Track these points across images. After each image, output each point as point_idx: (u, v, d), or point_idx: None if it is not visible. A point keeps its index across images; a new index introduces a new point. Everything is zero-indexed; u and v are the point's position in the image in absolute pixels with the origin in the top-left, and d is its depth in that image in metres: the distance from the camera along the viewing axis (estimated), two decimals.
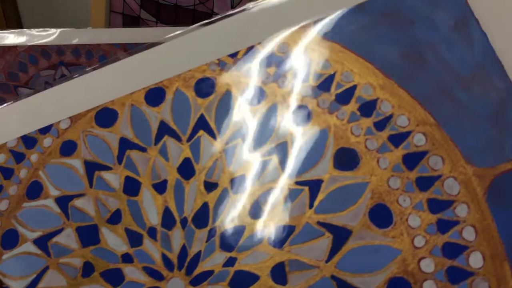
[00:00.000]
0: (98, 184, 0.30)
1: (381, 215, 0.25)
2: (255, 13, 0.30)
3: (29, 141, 0.31)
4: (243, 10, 0.31)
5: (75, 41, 0.34)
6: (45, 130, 0.31)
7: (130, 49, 0.37)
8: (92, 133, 0.30)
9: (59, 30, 0.35)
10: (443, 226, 0.25)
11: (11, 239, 0.30)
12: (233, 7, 0.48)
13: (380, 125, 0.27)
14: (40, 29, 0.36)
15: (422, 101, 0.27)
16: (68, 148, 0.31)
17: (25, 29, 0.36)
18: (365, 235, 0.25)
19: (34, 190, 0.30)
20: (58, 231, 0.29)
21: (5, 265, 0.29)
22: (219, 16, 0.31)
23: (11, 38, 0.36)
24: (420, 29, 0.28)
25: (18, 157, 0.31)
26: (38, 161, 0.31)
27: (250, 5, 0.30)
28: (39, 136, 0.31)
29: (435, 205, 0.25)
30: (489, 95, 0.26)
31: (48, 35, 0.36)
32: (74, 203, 0.29)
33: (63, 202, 0.30)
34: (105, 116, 0.31)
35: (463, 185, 0.25)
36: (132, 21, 0.47)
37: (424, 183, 0.25)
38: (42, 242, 0.29)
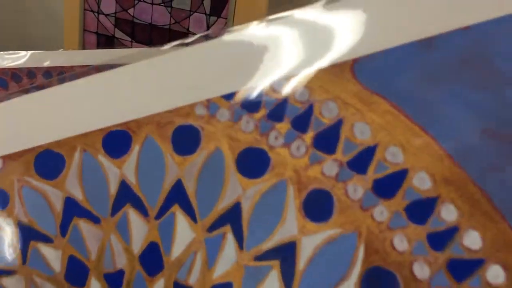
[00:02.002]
0: (33, 260, 0.23)
1: None
2: (268, 36, 0.21)
3: None
4: (247, 30, 0.21)
5: (46, 64, 0.30)
6: None
7: (103, 71, 0.33)
8: (30, 185, 0.23)
9: (29, 52, 0.32)
10: None
11: None
12: (208, 27, 0.41)
13: (437, 241, 0.19)
14: (10, 52, 0.32)
15: (507, 213, 0.18)
16: None
17: None
18: None
19: None
20: None
21: None
22: (208, 33, 0.22)
23: None
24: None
25: None
26: None
27: (256, 23, 0.21)
28: None
29: None
30: None
31: (18, 58, 0.33)
32: (1, 281, 0.23)
33: None
34: (48, 162, 0.23)
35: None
36: (106, 40, 0.45)
37: None
38: None
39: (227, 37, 0.23)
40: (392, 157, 0.20)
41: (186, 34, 0.60)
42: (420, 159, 0.20)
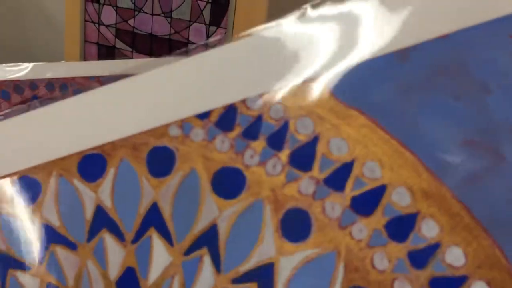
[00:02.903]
0: None
1: None
2: (240, 54, 0.21)
3: None
4: (220, 46, 0.21)
5: (48, 75, 0.31)
6: None
7: (105, 82, 0.34)
8: (7, 212, 0.23)
9: (31, 64, 0.33)
10: None
11: None
12: (208, 37, 0.41)
13: (418, 259, 0.18)
14: (12, 64, 0.33)
15: (489, 227, 0.18)
16: None
17: None
18: None
19: None
20: None
21: None
22: (185, 49, 0.22)
23: None
24: (498, 102, 0.18)
25: None
26: None
27: (233, 40, 0.21)
28: None
29: None
30: None
31: (20, 70, 0.34)
32: None
33: None
34: (25, 189, 0.23)
35: None
36: (107, 50, 0.46)
37: None
38: None
39: (199, 57, 0.23)
40: (370, 172, 0.20)
41: (186, 44, 0.60)
42: (399, 174, 0.20)
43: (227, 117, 0.22)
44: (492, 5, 0.20)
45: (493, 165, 0.19)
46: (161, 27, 0.75)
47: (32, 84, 0.40)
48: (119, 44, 0.59)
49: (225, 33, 0.75)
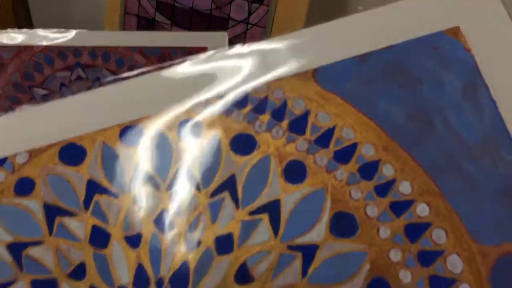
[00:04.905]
0: (59, 231, 0.28)
1: None
2: (249, 52, 0.30)
3: None
4: (234, 47, 0.30)
5: (91, 43, 0.34)
6: None
7: (147, 53, 0.38)
8: (55, 172, 0.29)
9: (75, 31, 0.36)
10: None
11: None
12: (250, 14, 0.48)
13: (381, 190, 0.27)
14: (56, 30, 0.36)
15: (427, 169, 0.28)
16: (25, 187, 0.29)
17: (40, 30, 0.35)
18: None
19: None
20: (8, 284, 0.28)
21: None
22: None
23: (27, 38, 0.36)
24: (428, 90, 0.29)
25: None
26: None
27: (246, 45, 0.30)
28: None
29: (437, 284, 0.25)
30: (498, 169, 0.27)
31: (64, 36, 0.36)
32: (29, 251, 0.28)
33: (16, 249, 0.28)
34: (71, 153, 0.29)
35: (467, 263, 0.26)
36: (147, 23, 0.48)
37: (426, 258, 0.26)
38: None
39: (217, 54, 0.31)
40: (346, 135, 0.29)
41: (226, 20, 0.61)
42: (366, 135, 0.29)
43: (241, 98, 0.30)
44: (421, 25, 0.31)
45: (427, 131, 0.29)
46: (202, 2, 0.74)
47: (76, 51, 0.42)
48: (159, 17, 0.59)
49: (267, 11, 0.75)
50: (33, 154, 0.31)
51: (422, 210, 0.28)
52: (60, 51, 0.38)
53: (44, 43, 0.36)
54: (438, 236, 0.28)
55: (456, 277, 0.27)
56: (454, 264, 0.27)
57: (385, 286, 0.27)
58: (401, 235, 0.28)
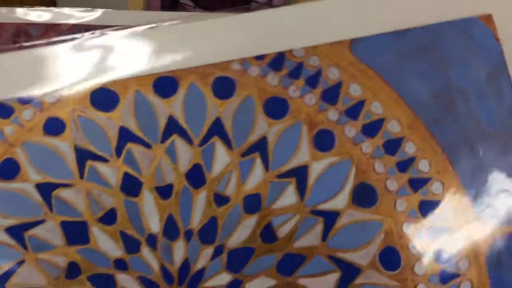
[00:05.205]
0: (90, 176, 0.29)
1: (390, 258, 0.29)
2: (291, 15, 0.30)
3: (3, 109, 0.29)
4: (273, 7, 0.30)
5: (118, 22, 0.33)
6: (25, 100, 0.29)
7: None
8: (86, 115, 0.29)
9: (101, 10, 0.35)
10: (445, 277, 0.29)
11: None
12: None
13: (402, 166, 0.29)
14: (82, 9, 0.35)
15: (445, 148, 0.30)
16: (55, 127, 0.29)
17: (66, 8, 0.34)
18: (371, 276, 0.29)
19: (8, 170, 0.29)
20: (37, 223, 0.29)
21: None
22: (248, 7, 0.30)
23: (53, 16, 0.34)
24: (454, 72, 0.30)
25: None
26: (14, 135, 0.29)
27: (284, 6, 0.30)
28: (17, 105, 0.29)
29: (441, 256, 0.28)
30: (509, 156, 0.29)
31: (89, 15, 0.35)
32: (59, 193, 0.29)
33: (46, 189, 0.29)
34: (104, 98, 0.29)
35: (470, 242, 0.29)
36: (170, 4, 0.46)
37: (434, 234, 0.29)
38: (16, 232, 0.29)
39: (260, 13, 0.31)
40: (375, 109, 0.31)
41: (249, 2, 0.60)
42: (393, 111, 0.31)
43: (277, 61, 0.31)
44: (457, 8, 0.32)
45: (449, 111, 0.31)
46: None
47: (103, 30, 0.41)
48: None
49: None
50: (63, 93, 0.31)
51: (436, 188, 0.31)
52: (87, 29, 0.37)
53: (71, 21, 0.35)
54: (447, 214, 0.30)
55: (460, 255, 0.30)
56: (459, 242, 0.30)
57: (396, 254, 0.30)
58: (416, 210, 0.30)
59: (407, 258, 0.30)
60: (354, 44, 0.32)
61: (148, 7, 0.41)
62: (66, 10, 0.34)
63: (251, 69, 0.31)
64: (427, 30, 0.32)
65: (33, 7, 0.33)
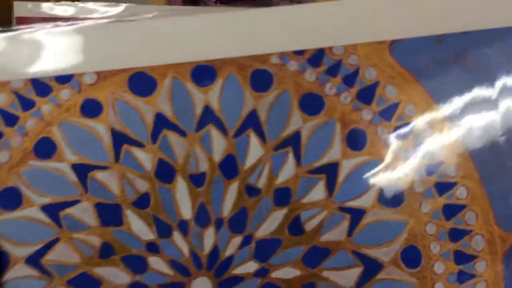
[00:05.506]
0: (125, 159, 0.29)
1: (411, 256, 0.30)
2: (333, 11, 0.30)
3: (41, 87, 0.29)
4: (294, 3, 0.30)
5: (142, 16, 0.33)
6: (63, 79, 0.29)
7: None
8: (124, 99, 0.29)
9: (124, 5, 0.34)
10: (462, 277, 0.30)
11: (12, 199, 0.29)
12: None
13: (429, 170, 0.30)
14: (106, 3, 0.35)
15: (473, 155, 0.30)
16: (92, 109, 0.30)
17: (91, 3, 0.34)
18: (393, 272, 0.30)
19: (45, 148, 0.29)
20: (73, 203, 0.29)
21: (4, 226, 0.29)
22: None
23: (78, 10, 0.34)
24: (487, 79, 0.30)
25: (25, 103, 0.29)
26: (51, 114, 0.29)
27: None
28: (54, 84, 0.29)
29: (460, 257, 0.30)
30: None
31: (113, 10, 0.35)
32: (94, 174, 0.29)
33: (82, 170, 0.29)
34: (141, 83, 0.30)
35: (488, 244, 0.30)
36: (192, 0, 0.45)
37: (456, 235, 0.30)
38: (52, 211, 0.29)
39: (300, 7, 0.31)
40: (409, 112, 0.31)
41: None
42: (425, 116, 0.31)
43: (316, 57, 0.31)
44: (495, 17, 0.32)
45: (479, 116, 0.32)
46: None
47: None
48: None
49: None
50: (101, 76, 0.31)
51: (461, 193, 0.32)
52: None
53: (95, 15, 0.34)
54: (469, 217, 0.32)
55: (476, 254, 0.32)
56: (478, 243, 0.32)
57: (417, 253, 0.31)
58: (439, 212, 0.31)
59: (428, 258, 0.32)
60: (393, 45, 0.32)
61: (170, 2, 0.40)
62: (90, 5, 0.34)
63: (290, 64, 0.32)
64: (467, 36, 0.32)
65: (58, 2, 0.33)
